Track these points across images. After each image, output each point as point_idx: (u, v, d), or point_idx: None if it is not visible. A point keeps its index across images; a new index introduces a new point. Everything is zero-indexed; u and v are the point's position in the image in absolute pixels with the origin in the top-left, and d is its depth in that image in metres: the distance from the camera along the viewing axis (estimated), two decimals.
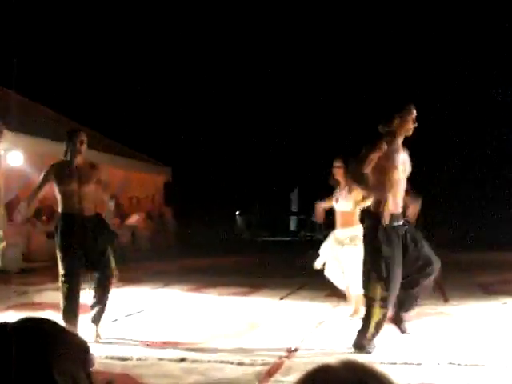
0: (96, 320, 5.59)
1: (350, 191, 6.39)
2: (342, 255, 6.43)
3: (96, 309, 5.59)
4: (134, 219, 17.88)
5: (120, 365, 4.64)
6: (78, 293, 5.53)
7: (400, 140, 5.05)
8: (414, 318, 5.78)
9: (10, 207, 8.67)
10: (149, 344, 5.40)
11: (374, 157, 4.89)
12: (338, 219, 6.58)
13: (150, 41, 27.07)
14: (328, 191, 6.76)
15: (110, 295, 5.67)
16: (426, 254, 5.07)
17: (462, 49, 26.18)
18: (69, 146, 5.56)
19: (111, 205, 5.99)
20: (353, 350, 4.94)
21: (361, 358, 4.55)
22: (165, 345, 5.36)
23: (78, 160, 5.55)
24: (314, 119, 28.84)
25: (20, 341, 1.07)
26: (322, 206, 6.75)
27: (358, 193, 6.30)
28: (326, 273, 6.63)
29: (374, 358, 4.57)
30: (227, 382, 4.23)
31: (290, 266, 12.15)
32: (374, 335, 4.93)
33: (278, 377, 4.28)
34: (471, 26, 25.56)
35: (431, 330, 5.74)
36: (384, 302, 4.87)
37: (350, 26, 27.63)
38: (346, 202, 6.42)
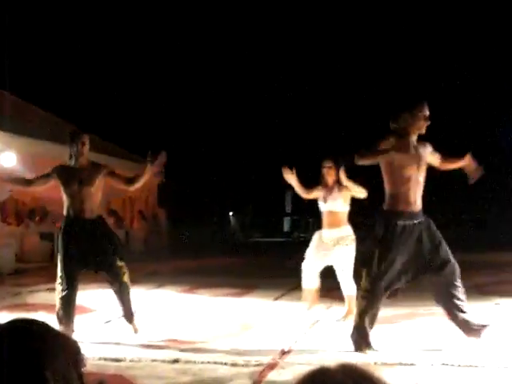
0: (129, 319, 5.69)
1: (340, 190, 6.34)
2: (332, 256, 6.38)
3: (123, 308, 5.69)
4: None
5: (113, 366, 4.63)
6: (74, 295, 5.56)
7: (412, 137, 4.98)
8: (407, 318, 5.80)
9: (3, 208, 8.65)
10: (142, 345, 5.39)
11: (381, 148, 4.86)
12: (325, 219, 6.47)
13: (141, 40, 27.05)
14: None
15: (129, 290, 5.70)
16: (443, 254, 4.97)
17: (464, 49, 26.26)
18: (71, 148, 5.63)
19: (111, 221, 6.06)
20: (346, 350, 4.95)
21: (355, 358, 4.56)
22: (158, 346, 5.35)
23: (81, 162, 5.61)
24: (308, 120, 28.88)
25: (11, 342, 1.07)
26: (293, 178, 6.37)
27: (347, 192, 6.29)
28: (303, 266, 6.56)
29: (368, 359, 4.58)
30: (221, 382, 4.24)
31: (283, 267, 12.15)
32: (361, 327, 4.94)
33: (271, 377, 4.29)
34: (475, 28, 25.63)
35: (424, 331, 5.75)
36: (367, 293, 4.91)
37: (350, 26, 27.68)
38: (335, 202, 6.37)
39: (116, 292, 5.66)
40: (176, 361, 4.74)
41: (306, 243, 6.76)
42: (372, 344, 4.94)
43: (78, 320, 5.58)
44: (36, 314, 6.69)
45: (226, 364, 4.62)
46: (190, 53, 28.29)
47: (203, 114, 28.15)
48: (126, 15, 26.85)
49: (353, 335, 5.01)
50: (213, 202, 28.01)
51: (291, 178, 6.37)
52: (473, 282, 9.50)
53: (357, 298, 5.34)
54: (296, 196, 6.83)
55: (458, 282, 5.04)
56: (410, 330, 5.72)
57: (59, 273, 5.51)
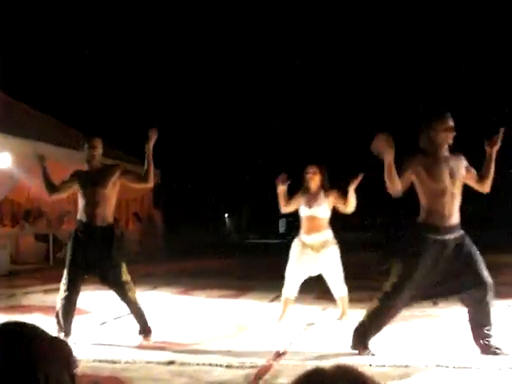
0: (142, 330, 5.63)
1: (326, 196, 6.30)
2: (319, 263, 6.30)
3: (136, 320, 5.66)
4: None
5: (108, 368, 4.62)
6: (75, 298, 5.57)
7: (442, 150, 4.85)
8: (402, 320, 5.79)
9: None
10: (137, 347, 5.38)
11: (404, 166, 4.78)
12: (307, 224, 6.36)
13: (136, 42, 27.06)
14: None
15: (138, 306, 5.64)
16: (475, 274, 4.83)
17: (463, 50, 26.31)
18: (84, 152, 5.72)
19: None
20: (342, 352, 4.95)
21: (350, 360, 4.55)
22: (153, 348, 5.35)
23: (94, 165, 5.70)
24: (303, 122, 28.92)
25: (2, 345, 1.06)
26: (282, 189, 6.38)
27: (333, 198, 6.28)
28: (286, 274, 6.54)
29: (363, 361, 4.58)
30: None
31: (278, 269, 12.14)
32: (364, 327, 4.93)
33: (266, 379, 4.28)
34: (475, 29, 25.65)
35: (419, 333, 5.76)
36: (385, 297, 4.87)
37: (347, 33, 27.73)
38: (319, 207, 6.30)
39: (126, 304, 5.67)
40: (171, 363, 4.73)
41: None
42: (370, 348, 4.93)
43: (74, 321, 5.56)
44: (31, 315, 6.68)
45: (221, 366, 4.61)
46: (187, 55, 28.32)
47: (199, 116, 28.17)
48: (126, 15, 26.86)
49: (355, 331, 5.00)
50: (208, 204, 28.01)
51: (280, 188, 6.37)
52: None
53: (373, 299, 5.11)
54: (292, 197, 6.79)
55: (488, 307, 4.87)
56: (405, 331, 5.72)
57: (64, 274, 5.55)
